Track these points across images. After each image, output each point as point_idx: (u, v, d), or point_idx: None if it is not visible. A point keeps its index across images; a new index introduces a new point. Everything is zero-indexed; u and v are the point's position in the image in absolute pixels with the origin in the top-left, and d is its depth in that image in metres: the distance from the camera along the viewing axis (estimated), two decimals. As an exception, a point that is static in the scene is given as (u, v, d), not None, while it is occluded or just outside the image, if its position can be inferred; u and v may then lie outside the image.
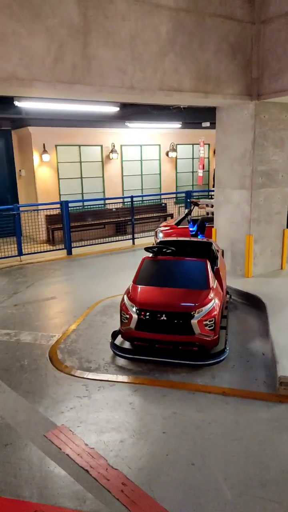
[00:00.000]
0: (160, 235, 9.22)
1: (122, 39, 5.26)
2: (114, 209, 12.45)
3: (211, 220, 9.17)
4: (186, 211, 9.80)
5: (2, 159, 12.34)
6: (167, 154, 13.73)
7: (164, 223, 10.14)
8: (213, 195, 11.74)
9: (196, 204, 9.84)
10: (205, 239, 6.43)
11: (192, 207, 9.95)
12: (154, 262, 5.53)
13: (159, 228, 9.56)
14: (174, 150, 13.69)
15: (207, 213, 9.75)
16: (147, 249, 5.72)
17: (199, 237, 8.76)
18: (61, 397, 4.17)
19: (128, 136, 12.84)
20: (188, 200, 10.27)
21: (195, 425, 3.69)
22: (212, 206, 9.43)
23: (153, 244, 9.31)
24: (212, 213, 9.17)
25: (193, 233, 9.14)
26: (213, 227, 8.54)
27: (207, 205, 9.65)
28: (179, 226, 9.44)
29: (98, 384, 4.40)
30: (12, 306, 6.82)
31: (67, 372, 4.66)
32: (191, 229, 9.20)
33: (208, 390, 4.22)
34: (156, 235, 9.50)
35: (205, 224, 9.11)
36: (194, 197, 12.62)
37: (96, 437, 3.57)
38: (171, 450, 3.40)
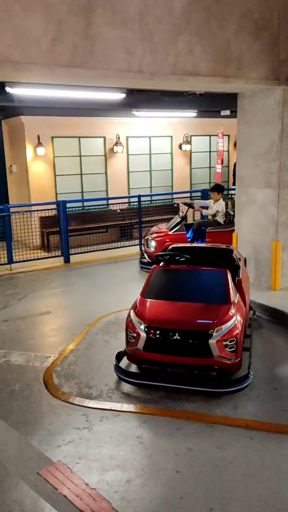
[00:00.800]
0: (153, 243, 9.04)
1: (130, 16, 5.33)
2: (118, 210, 12.50)
3: (210, 224, 9.12)
4: (181, 214, 9.65)
5: (-10, 153, 12.51)
6: (180, 147, 13.76)
7: (154, 229, 9.96)
8: (233, 194, 11.76)
9: (191, 206, 9.64)
10: (224, 246, 6.43)
11: (186, 210, 9.80)
12: (165, 272, 5.53)
13: (151, 235, 9.36)
14: (188, 142, 13.73)
15: (203, 217, 9.59)
16: (157, 256, 5.73)
17: (196, 242, 8.71)
18: (57, 429, 4.17)
19: (135, 127, 12.91)
20: (179, 202, 10.01)
21: (214, 464, 3.66)
22: (208, 208, 9.32)
23: (142, 254, 9.26)
24: (213, 216, 9.18)
25: (189, 239, 9.05)
26: (214, 231, 8.65)
27: (202, 207, 9.42)
28: (172, 232, 9.23)
29: (100, 413, 4.39)
30: (1, 322, 6.86)
31: (64, 399, 4.67)
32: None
33: (229, 422, 4.19)
34: (147, 244, 9.26)
35: (202, 229, 9.02)
36: (194, 198, 12.58)
37: (98, 476, 3.55)
38: (186, 493, 3.37)
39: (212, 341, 4.54)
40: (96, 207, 12.38)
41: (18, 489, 3.46)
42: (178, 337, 4.59)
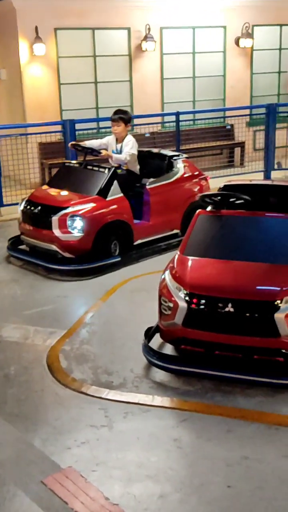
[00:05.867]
0: (78, 222, 7.17)
1: None
2: (147, 134, 12.36)
3: (128, 178, 7.87)
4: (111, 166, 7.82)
5: None
6: (237, 42, 13.43)
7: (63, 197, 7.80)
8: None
9: (84, 150, 8.08)
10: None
11: (84, 157, 8.15)
12: (215, 219, 5.50)
13: (71, 208, 7.31)
14: (250, 35, 13.36)
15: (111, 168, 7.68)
16: (204, 197, 5.68)
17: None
18: (66, 426, 4.29)
19: (173, 13, 12.60)
20: (70, 145, 8.20)
21: (279, 477, 3.72)
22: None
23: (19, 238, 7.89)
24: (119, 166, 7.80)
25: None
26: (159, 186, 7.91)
27: (99, 152, 7.84)
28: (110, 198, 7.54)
29: (124, 408, 4.48)
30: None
31: (75, 388, 4.77)
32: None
33: (300, 424, 4.25)
34: (61, 225, 7.26)
35: (135, 189, 7.87)
36: (254, 118, 11.95)
37: (121, 488, 3.67)
38: (239, 514, 3.47)
39: (279, 315, 4.53)
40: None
41: (16, 502, 3.61)
42: (232, 309, 4.61)
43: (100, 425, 4.30)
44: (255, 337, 4.61)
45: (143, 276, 7.11)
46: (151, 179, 8.03)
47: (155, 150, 8.97)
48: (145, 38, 12.37)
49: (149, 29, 12.35)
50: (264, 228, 5.38)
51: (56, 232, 7.15)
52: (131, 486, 3.69)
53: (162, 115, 12.38)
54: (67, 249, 7.20)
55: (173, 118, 11.53)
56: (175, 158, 8.46)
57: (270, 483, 3.69)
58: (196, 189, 8.42)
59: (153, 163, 8.50)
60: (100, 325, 5.90)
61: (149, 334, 5.22)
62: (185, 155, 8.84)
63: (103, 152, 7.89)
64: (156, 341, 5.23)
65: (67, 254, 7.23)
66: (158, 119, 12.35)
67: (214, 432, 4.18)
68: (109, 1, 11.85)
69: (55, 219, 7.16)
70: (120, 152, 7.90)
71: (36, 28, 11.40)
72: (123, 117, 7.97)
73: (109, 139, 8.20)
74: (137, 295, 6.54)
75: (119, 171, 7.72)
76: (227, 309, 4.63)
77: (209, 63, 13.31)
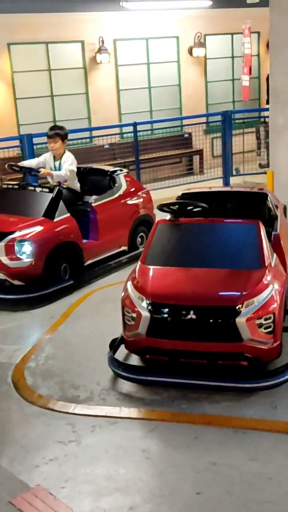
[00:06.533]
0: (27, 247, 6.71)
1: None
2: (106, 146, 12.40)
3: (71, 197, 7.54)
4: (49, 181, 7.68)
5: None
6: (190, 51, 13.59)
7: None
8: (266, 117, 11.59)
9: (22, 171, 7.95)
10: (256, 189, 6.41)
11: (24, 176, 8.18)
12: (173, 227, 5.53)
13: (19, 233, 6.76)
14: (202, 44, 13.55)
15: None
16: (162, 207, 5.71)
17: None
18: (34, 443, 4.25)
19: (126, 25, 12.71)
20: (9, 166, 7.74)
21: (247, 482, 3.74)
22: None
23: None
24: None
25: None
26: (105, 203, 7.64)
27: (38, 171, 7.56)
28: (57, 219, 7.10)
29: (92, 421, 4.46)
30: None
31: (42, 404, 4.73)
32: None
33: (267, 427, 4.27)
34: (8, 252, 6.74)
35: (78, 207, 7.59)
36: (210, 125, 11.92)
37: (91, 503, 3.64)
38: (210, 521, 3.48)
39: (240, 320, 4.56)
40: (76, 142, 12.23)
41: (-15, 524, 3.58)
42: (194, 316, 4.64)
43: (68, 441, 4.26)
44: (219, 343, 4.63)
45: (105, 287, 7.12)
46: (94, 196, 7.68)
47: (94, 166, 8.72)
48: (99, 50, 12.44)
49: (102, 41, 12.42)
50: (222, 234, 5.41)
51: (3, 259, 6.61)
52: (101, 500, 3.66)
53: (120, 126, 12.42)
54: (16, 277, 6.70)
55: (131, 128, 11.56)
56: (117, 173, 8.17)
57: (239, 486, 3.71)
58: (140, 204, 8.27)
59: (93, 179, 8.23)
60: (65, 339, 5.87)
61: (114, 345, 5.21)
62: (125, 170, 8.58)
63: (42, 171, 7.48)
64: (121, 352, 5.22)
65: (16, 282, 6.74)
66: (116, 130, 12.40)
67: (182, 440, 4.18)
68: (62, 15, 11.88)
69: (1, 245, 6.62)
70: (59, 169, 7.57)
71: (-11, 43, 11.36)
72: (59, 133, 7.58)
73: (46, 157, 7.82)
74: (102, 306, 6.54)
75: (64, 187, 7.37)
76: (189, 317, 4.64)
77: (164, 73, 13.44)
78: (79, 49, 12.43)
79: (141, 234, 8.30)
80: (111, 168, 8.42)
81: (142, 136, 12.32)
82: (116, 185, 8.01)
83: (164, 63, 13.42)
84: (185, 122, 13.17)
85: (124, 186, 8.08)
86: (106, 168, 8.55)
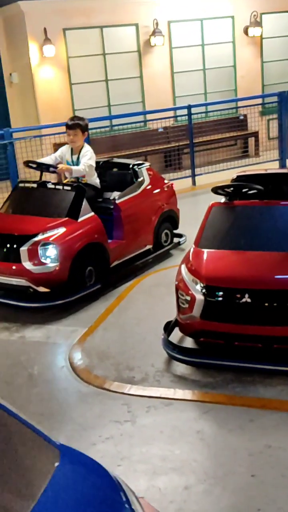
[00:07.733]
0: (52, 250, 6.26)
1: None
2: (160, 129, 12.39)
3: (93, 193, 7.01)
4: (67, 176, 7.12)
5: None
6: (245, 31, 13.41)
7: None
8: None
9: (35, 167, 7.25)
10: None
11: (40, 175, 7.18)
12: (229, 211, 5.50)
13: (42, 234, 6.30)
14: (258, 24, 13.33)
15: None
16: (216, 189, 5.68)
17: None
18: (90, 422, 4.35)
19: (180, 6, 12.60)
20: (25, 162, 7.31)
21: (302, 465, 3.74)
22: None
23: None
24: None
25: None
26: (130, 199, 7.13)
27: (56, 167, 6.96)
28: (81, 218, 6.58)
29: (147, 402, 4.52)
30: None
31: (98, 385, 4.83)
32: None
33: None
34: (31, 256, 6.29)
35: (101, 205, 7.08)
36: (266, 106, 11.94)
37: (146, 482, 3.71)
38: (264, 503, 3.47)
39: (296, 304, 4.53)
40: (130, 126, 12.29)
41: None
42: (249, 300, 4.62)
43: (124, 420, 4.34)
44: (274, 326, 4.61)
45: (161, 270, 7.17)
46: (116, 193, 7.14)
47: (114, 160, 8.18)
48: (153, 33, 12.38)
49: (156, 24, 12.35)
50: (278, 216, 5.36)
51: (27, 265, 6.13)
52: (156, 479, 3.73)
53: (174, 109, 12.37)
54: (41, 283, 6.16)
55: (185, 111, 11.52)
56: (139, 167, 7.52)
57: (294, 470, 3.71)
58: (164, 199, 7.68)
59: (113, 174, 7.63)
60: (120, 322, 5.95)
61: (168, 328, 5.25)
62: (147, 163, 7.90)
63: (60, 166, 6.90)
64: (176, 335, 5.25)
65: (41, 289, 6.20)
66: (171, 113, 12.34)
67: (236, 423, 4.20)
68: (115, -1, 11.89)
69: (23, 250, 6.14)
70: (77, 164, 6.95)
71: (45, 29, 11.49)
72: (80, 123, 6.93)
73: (63, 150, 7.19)
74: (156, 290, 6.58)
75: (83, 181, 6.84)
76: (244, 300, 4.63)
77: (219, 54, 13.29)
78: (133, 32, 12.40)
79: (166, 231, 7.75)
80: (132, 161, 7.83)
81: (197, 119, 12.23)
82: (139, 179, 7.40)
83: (219, 44, 13.24)
84: (240, 104, 12.99)
85: (147, 180, 7.47)
86: (127, 161, 8.02)
